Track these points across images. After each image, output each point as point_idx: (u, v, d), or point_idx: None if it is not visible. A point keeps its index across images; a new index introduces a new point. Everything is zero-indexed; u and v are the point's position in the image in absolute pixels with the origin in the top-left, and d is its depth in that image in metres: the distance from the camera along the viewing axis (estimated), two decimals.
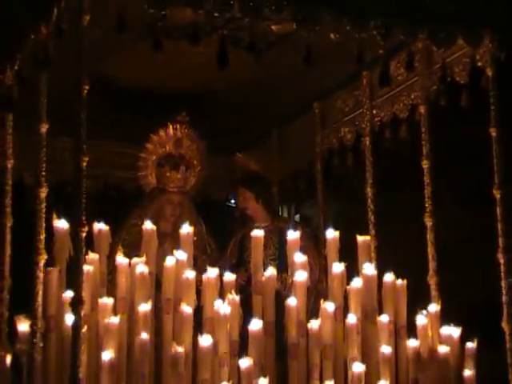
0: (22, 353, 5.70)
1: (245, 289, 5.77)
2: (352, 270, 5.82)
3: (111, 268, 5.66)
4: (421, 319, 5.80)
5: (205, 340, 5.31)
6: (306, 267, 5.74)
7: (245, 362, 5.31)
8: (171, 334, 5.43)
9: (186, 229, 5.76)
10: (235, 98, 6.74)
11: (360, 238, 5.97)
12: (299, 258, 5.76)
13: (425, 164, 6.21)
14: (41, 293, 5.40)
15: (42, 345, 5.35)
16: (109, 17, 5.31)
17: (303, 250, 5.85)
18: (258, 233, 5.75)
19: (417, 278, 5.96)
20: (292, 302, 5.57)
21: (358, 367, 5.49)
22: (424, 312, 5.84)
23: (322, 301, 5.67)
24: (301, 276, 5.67)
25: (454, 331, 5.78)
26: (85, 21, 5.18)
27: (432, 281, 6.06)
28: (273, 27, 5.79)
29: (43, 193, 5.58)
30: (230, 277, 5.68)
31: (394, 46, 6.13)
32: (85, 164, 5.07)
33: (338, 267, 5.76)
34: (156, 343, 5.42)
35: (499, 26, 5.94)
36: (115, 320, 5.36)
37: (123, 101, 6.57)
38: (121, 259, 5.59)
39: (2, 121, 6.12)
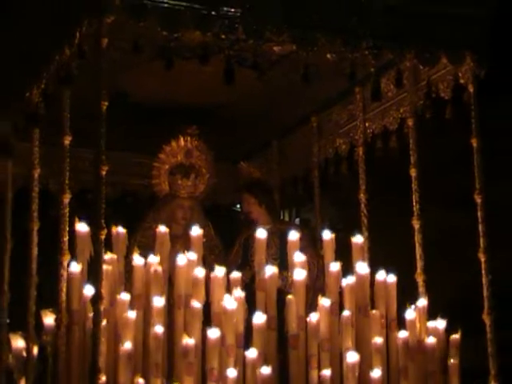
0: (47, 344, 5.77)
1: (249, 286, 5.76)
2: (347, 269, 5.83)
3: (128, 267, 5.65)
4: (409, 313, 5.81)
5: (213, 332, 5.34)
6: (304, 266, 5.74)
7: (249, 352, 5.35)
8: (182, 327, 5.44)
9: (196, 231, 5.79)
10: (240, 112, 6.75)
11: (354, 239, 5.97)
12: (299, 257, 5.76)
13: (413, 172, 6.22)
14: (64, 289, 5.47)
15: (65, 336, 5.39)
16: (126, 39, 5.36)
17: (302, 250, 5.85)
18: (261, 234, 5.75)
19: (406, 275, 5.98)
20: (292, 297, 5.59)
21: (352, 357, 5.51)
22: (412, 306, 5.86)
23: (319, 297, 5.67)
24: (300, 274, 5.67)
25: (439, 324, 5.81)
26: (103, 43, 5.22)
27: (419, 278, 6.08)
28: (274, 48, 5.78)
29: (66, 199, 5.66)
30: (235, 275, 5.69)
31: (384, 64, 6.19)
32: (104, 173, 5.11)
33: (334, 266, 5.77)
34: (169, 335, 5.41)
35: (479, 47, 5.97)
36: (132, 314, 5.38)
37: (138, 115, 6.59)
38: (137, 259, 5.60)
39: (29, 134, 6.11)
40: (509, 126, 7.36)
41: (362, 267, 5.84)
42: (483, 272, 5.79)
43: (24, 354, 5.92)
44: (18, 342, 6.03)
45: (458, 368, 5.73)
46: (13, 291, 6.18)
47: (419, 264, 6.10)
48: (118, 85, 5.68)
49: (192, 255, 5.64)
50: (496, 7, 6.06)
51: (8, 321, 6.16)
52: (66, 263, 5.51)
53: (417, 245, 6.13)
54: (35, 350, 5.84)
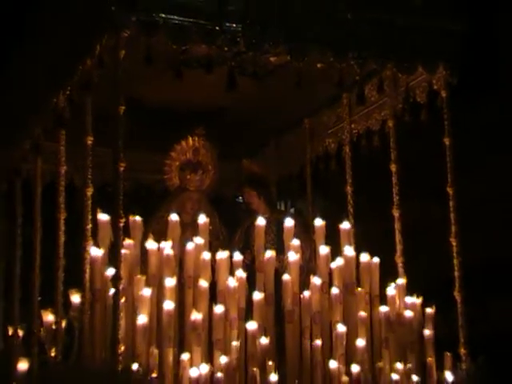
0: (74, 319, 5.78)
1: (250, 267, 5.76)
2: (335, 252, 5.85)
3: (143, 251, 5.65)
4: (390, 290, 5.85)
5: (218, 308, 5.40)
6: (298, 250, 5.77)
7: (250, 325, 5.38)
8: (191, 303, 5.47)
9: (203, 219, 5.82)
10: (241, 115, 6.76)
11: (342, 226, 6.00)
12: (293, 242, 5.79)
13: (393, 167, 6.25)
14: (88, 271, 5.50)
15: (89, 312, 5.44)
16: (140, 51, 5.33)
17: (297, 236, 5.87)
18: (260, 222, 5.77)
19: (387, 257, 6.01)
20: (287, 277, 5.62)
21: (340, 328, 5.55)
22: (393, 285, 5.89)
23: (311, 276, 5.70)
24: (294, 257, 5.70)
25: (416, 300, 5.84)
26: (121, 55, 5.23)
27: (399, 260, 6.13)
28: (271, 59, 5.75)
29: (89, 192, 5.71)
30: (238, 257, 5.71)
31: (367, 73, 6.17)
32: (122, 169, 5.14)
33: (324, 249, 5.80)
34: (179, 311, 5.43)
35: (451, 57, 5.99)
36: (147, 292, 5.40)
37: (151, 117, 6.60)
38: (151, 244, 5.62)
39: (56, 135, 6.13)
40: (479, 126, 7.35)
41: (348, 250, 5.87)
42: (454, 254, 5.82)
43: (54, 327, 5.93)
44: (49, 317, 6.02)
45: (432, 338, 5.76)
46: (43, 273, 6.23)
47: (398, 248, 6.13)
48: (134, 91, 5.66)
49: (199, 240, 5.67)
50: (467, 22, 6.06)
51: (40, 299, 6.21)
52: (89, 248, 5.54)
53: (396, 231, 6.15)
54: (63, 324, 5.86)
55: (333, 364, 5.49)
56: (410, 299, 5.84)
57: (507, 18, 7.62)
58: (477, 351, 5.69)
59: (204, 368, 5.25)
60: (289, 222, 5.88)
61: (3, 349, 6.78)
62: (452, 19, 6.00)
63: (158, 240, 5.65)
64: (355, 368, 5.50)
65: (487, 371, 5.57)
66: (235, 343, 5.36)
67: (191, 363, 5.25)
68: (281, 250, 5.86)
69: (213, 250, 5.70)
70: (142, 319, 5.30)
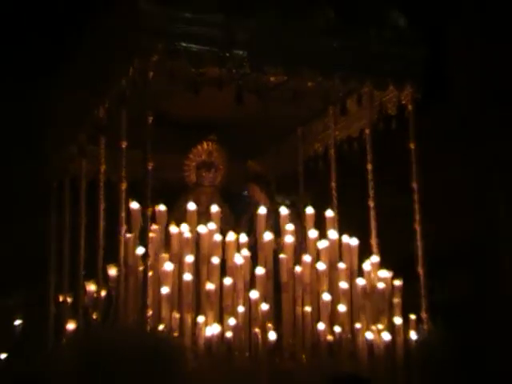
0: (111, 289, 5.79)
1: (253, 247, 5.72)
2: (322, 235, 5.87)
3: (167, 234, 5.64)
4: (366, 266, 5.86)
5: (227, 280, 5.42)
6: (292, 233, 5.78)
7: (253, 294, 5.41)
8: (206, 276, 5.47)
9: (215, 209, 5.83)
10: (246, 124, 6.69)
11: (327, 214, 6.03)
12: (288, 227, 5.81)
13: (369, 166, 6.23)
14: (122, 250, 5.52)
15: (123, 283, 5.47)
16: (165, 73, 5.37)
17: (291, 222, 5.87)
18: (261, 211, 5.80)
19: (363, 239, 6.00)
20: (283, 255, 5.63)
21: (326, 297, 5.58)
22: (368, 261, 5.89)
23: (302, 255, 5.72)
24: (289, 239, 5.72)
25: (387, 274, 5.85)
26: (149, 76, 5.26)
27: (373, 241, 6.08)
28: (271, 78, 5.75)
29: (123, 186, 5.72)
30: (243, 240, 5.70)
31: (349, 90, 6.18)
32: (150, 168, 5.17)
33: (313, 233, 5.83)
34: (196, 282, 5.44)
35: (416, 78, 6.01)
36: (170, 267, 5.42)
37: (174, 126, 6.54)
38: (173, 228, 5.62)
39: (97, 140, 6.15)
40: (438, 132, 7.34)
41: (332, 234, 5.90)
42: (417, 237, 5.84)
43: (95, 295, 5.97)
44: (91, 287, 6.04)
45: (400, 305, 5.76)
46: (87, 252, 6.24)
47: (373, 231, 6.10)
48: (160, 105, 5.64)
49: (212, 226, 5.67)
50: (427, 50, 6.06)
51: (84, 272, 6.22)
52: (123, 231, 5.56)
53: (371, 218, 6.13)
54: (103, 293, 5.91)
55: (320, 326, 5.51)
56: (382, 273, 5.84)
57: (457, 46, 7.64)
58: (435, 315, 5.69)
59: (216, 328, 5.27)
60: (284, 211, 5.91)
61: (55, 313, 6.79)
62: (416, 48, 6.01)
63: (178, 225, 5.65)
64: (337, 329, 5.53)
65: (443, 330, 5.57)
66: (241, 309, 5.37)
67: (206, 324, 5.27)
68: (278, 234, 5.84)
69: (223, 233, 5.69)
70: (166, 289, 5.32)
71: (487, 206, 7.28)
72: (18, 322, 7.28)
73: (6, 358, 7.11)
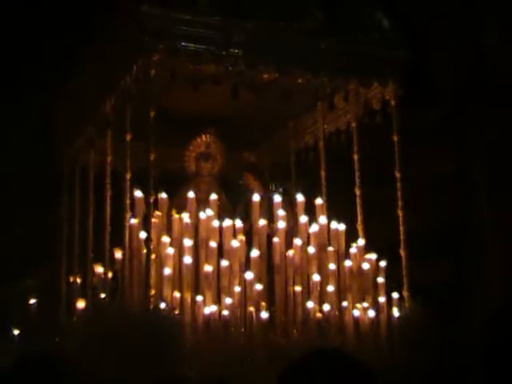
0: (117, 270, 5.78)
1: (248, 232, 5.73)
2: (312, 220, 5.86)
3: (168, 220, 5.64)
4: (353, 249, 5.85)
5: (224, 262, 5.40)
6: (285, 219, 5.77)
7: (248, 275, 5.40)
8: (204, 259, 5.46)
9: (213, 196, 5.82)
10: (241, 118, 6.65)
11: (316, 201, 6.02)
12: (281, 213, 5.79)
13: (355, 157, 6.23)
14: (127, 234, 5.50)
15: (128, 265, 5.44)
16: (166, 71, 5.35)
17: (283, 208, 5.86)
18: (256, 198, 5.78)
19: (350, 225, 6.00)
20: (276, 239, 5.62)
21: (315, 278, 5.58)
22: (355, 245, 5.89)
23: (294, 239, 5.70)
24: (282, 224, 5.71)
25: (372, 256, 5.85)
26: (152, 73, 5.24)
27: (359, 227, 6.09)
28: (264, 76, 5.74)
29: (128, 176, 5.68)
30: (239, 225, 5.70)
31: (336, 87, 6.16)
32: (152, 158, 5.15)
33: (303, 218, 5.82)
34: (195, 264, 5.43)
35: (398, 76, 6.00)
36: (171, 251, 5.41)
37: (175, 120, 6.48)
38: (174, 215, 5.61)
39: (104, 133, 6.12)
40: (419, 126, 7.33)
41: (322, 219, 5.88)
42: (400, 222, 5.83)
43: (103, 276, 5.96)
44: (99, 269, 6.04)
45: (384, 284, 5.76)
46: (95, 236, 6.23)
47: (359, 217, 6.10)
48: (162, 100, 5.63)
49: (210, 212, 5.66)
50: (409, 50, 6.04)
51: (92, 255, 6.22)
52: (128, 217, 5.55)
53: (358, 205, 6.13)
54: (110, 274, 5.90)
55: (310, 304, 5.51)
56: (367, 255, 5.84)
57: (437, 47, 7.61)
58: (415, 294, 5.68)
59: (214, 307, 5.27)
60: (277, 199, 5.89)
61: (67, 292, 6.78)
62: (398, 48, 5.98)
63: (179, 212, 5.64)
64: (326, 307, 5.53)
65: (422, 308, 5.57)
66: (237, 288, 5.37)
67: (204, 303, 5.27)
68: (271, 219, 5.84)
69: (220, 219, 5.68)
70: (167, 271, 5.32)
71: (465, 196, 7.28)
72: (32, 301, 7.26)
73: (21, 334, 7.09)
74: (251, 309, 5.31)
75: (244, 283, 5.39)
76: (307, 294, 5.57)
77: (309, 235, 5.76)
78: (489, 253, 7.03)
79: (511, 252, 6.78)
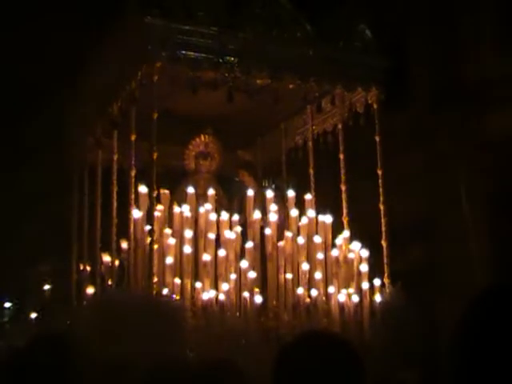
0: (123, 259, 5.76)
1: (243, 225, 5.71)
2: (301, 214, 5.83)
3: (170, 213, 5.61)
4: (339, 240, 5.83)
5: (221, 252, 5.37)
6: (276, 212, 5.73)
7: (243, 264, 5.38)
8: (203, 248, 5.43)
9: (211, 192, 5.78)
10: (236, 119, 6.61)
11: (306, 196, 5.99)
12: (273, 207, 5.76)
13: (341, 156, 6.22)
14: (132, 226, 5.46)
15: (133, 254, 5.40)
16: (168, 76, 5.32)
17: (275, 203, 5.82)
18: (250, 193, 5.76)
19: (337, 217, 5.98)
20: (269, 231, 5.59)
21: (304, 266, 5.55)
22: (341, 236, 5.87)
23: (285, 231, 5.68)
24: (273, 217, 5.67)
25: (356, 245, 5.82)
26: (155, 79, 5.21)
27: (345, 220, 6.07)
28: (257, 81, 5.69)
29: (133, 172, 5.63)
30: (235, 218, 5.68)
31: (324, 91, 6.13)
32: (155, 157, 5.10)
33: (294, 212, 5.79)
34: (195, 254, 5.41)
35: (380, 81, 5.98)
36: (172, 241, 5.38)
37: (176, 121, 6.42)
38: (175, 209, 5.59)
39: (111, 133, 6.08)
40: (399, 127, 7.32)
41: (310, 213, 5.85)
42: (382, 215, 5.82)
43: (110, 265, 5.93)
44: (106, 258, 6.02)
45: (366, 272, 5.74)
46: (102, 228, 6.19)
47: (345, 211, 6.08)
48: (164, 103, 5.58)
49: (208, 206, 5.63)
50: (391, 59, 6.02)
51: (100, 245, 6.18)
52: (132, 211, 5.50)
53: (343, 200, 6.11)
54: (116, 263, 5.86)
55: (299, 290, 5.49)
56: (352, 246, 5.82)
57: (416, 56, 7.61)
58: (396, 280, 5.67)
59: (212, 293, 5.25)
60: (270, 194, 5.87)
61: (77, 279, 6.74)
62: (380, 56, 5.97)
63: (180, 206, 5.61)
64: (314, 292, 5.51)
65: (402, 293, 5.55)
66: (233, 276, 5.35)
67: (203, 289, 5.24)
68: (264, 213, 5.79)
69: (218, 212, 5.66)
70: (169, 259, 5.29)
71: (438, 191, 7.25)
72: (46, 287, 7.23)
73: (36, 317, 7.06)
74: (246, 294, 5.29)
75: (239, 271, 5.37)
76: (297, 280, 5.54)
77: (298, 227, 5.74)
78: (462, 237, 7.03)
79: (486, 238, 6.80)
